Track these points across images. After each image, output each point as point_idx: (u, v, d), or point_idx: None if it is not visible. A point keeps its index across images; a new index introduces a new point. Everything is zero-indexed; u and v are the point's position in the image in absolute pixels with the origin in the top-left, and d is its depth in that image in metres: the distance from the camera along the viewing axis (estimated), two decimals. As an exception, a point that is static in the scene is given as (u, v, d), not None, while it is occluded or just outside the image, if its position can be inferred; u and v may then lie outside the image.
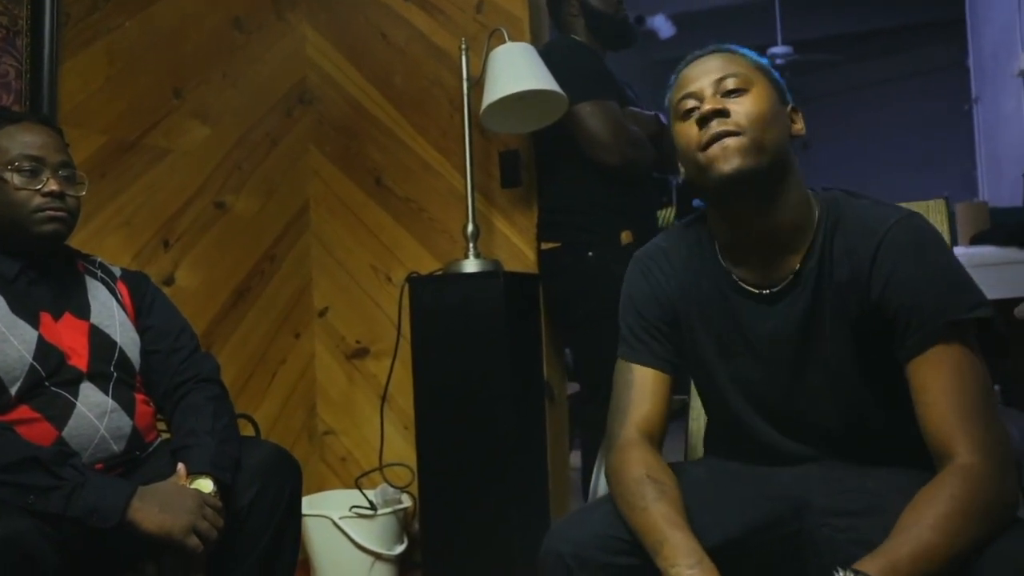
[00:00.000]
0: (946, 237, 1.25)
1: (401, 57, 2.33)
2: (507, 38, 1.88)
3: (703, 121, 0.92)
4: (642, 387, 0.98)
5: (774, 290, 0.96)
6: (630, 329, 1.03)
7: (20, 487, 0.99)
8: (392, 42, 2.34)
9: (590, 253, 1.93)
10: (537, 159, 2.14)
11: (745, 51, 0.99)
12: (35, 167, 1.20)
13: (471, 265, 1.95)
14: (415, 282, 2.00)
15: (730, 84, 0.94)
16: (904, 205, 1.36)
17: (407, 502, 2.14)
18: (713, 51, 0.99)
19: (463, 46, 2.01)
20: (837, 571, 0.73)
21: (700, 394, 1.09)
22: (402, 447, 2.29)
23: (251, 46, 2.26)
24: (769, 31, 6.34)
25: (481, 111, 1.88)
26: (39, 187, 1.19)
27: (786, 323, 0.95)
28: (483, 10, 2.20)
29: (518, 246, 2.19)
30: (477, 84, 1.98)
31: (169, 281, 1.95)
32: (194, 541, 1.08)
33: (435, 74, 2.28)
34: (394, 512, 2.08)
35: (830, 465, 0.95)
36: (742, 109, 0.92)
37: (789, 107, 0.99)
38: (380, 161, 2.38)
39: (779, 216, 0.94)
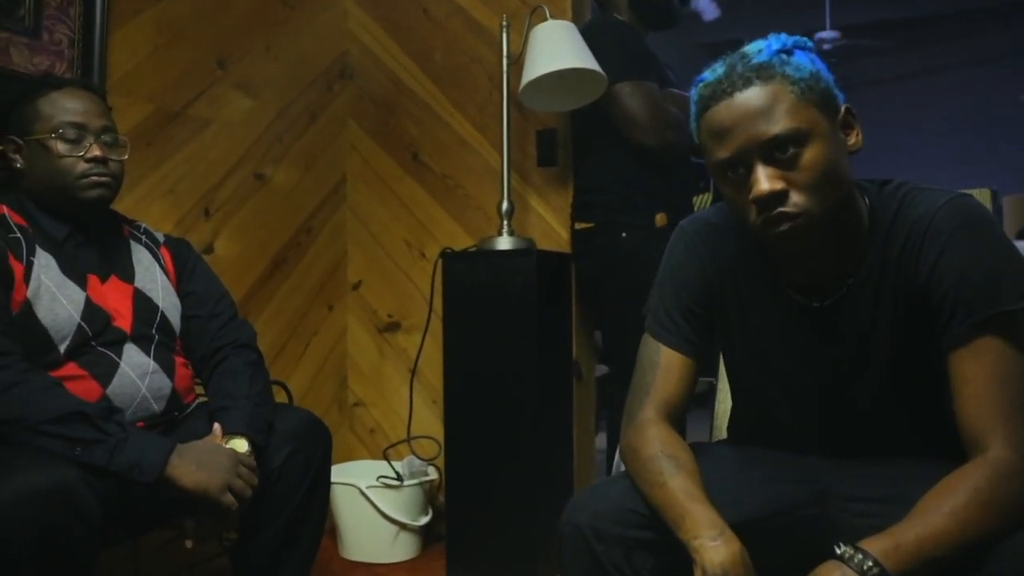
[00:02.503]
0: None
1: (441, 32, 2.34)
2: (548, 15, 1.88)
3: (760, 203, 0.84)
4: (668, 370, 0.98)
5: (826, 304, 0.93)
6: (664, 307, 1.02)
7: (68, 439, 1.03)
8: (433, 17, 2.35)
9: (624, 235, 1.93)
10: (574, 139, 2.13)
11: (786, 69, 0.84)
12: (78, 134, 1.23)
13: (505, 242, 1.96)
14: (449, 258, 2.01)
15: (781, 144, 0.82)
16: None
17: (433, 474, 2.18)
18: (748, 80, 0.84)
19: (504, 23, 2.01)
20: (839, 545, 0.74)
21: (729, 379, 1.09)
22: (430, 420, 2.32)
23: (294, 19, 2.28)
24: (817, 15, 6.18)
25: (520, 88, 1.88)
26: (82, 153, 1.22)
27: (836, 338, 0.93)
28: (525, -13, 2.19)
29: (552, 225, 2.19)
30: (516, 61, 1.98)
31: (208, 250, 2.00)
32: (229, 499, 1.11)
33: (474, 50, 2.28)
34: (420, 484, 2.12)
35: (853, 450, 0.94)
36: (801, 179, 0.83)
37: (842, 112, 0.88)
38: (417, 136, 2.39)
39: (834, 236, 0.89)
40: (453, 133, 2.33)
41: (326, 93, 2.41)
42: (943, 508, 0.75)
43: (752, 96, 0.84)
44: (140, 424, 1.24)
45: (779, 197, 0.83)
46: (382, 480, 2.07)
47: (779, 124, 0.82)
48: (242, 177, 2.10)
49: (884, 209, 0.91)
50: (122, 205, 1.75)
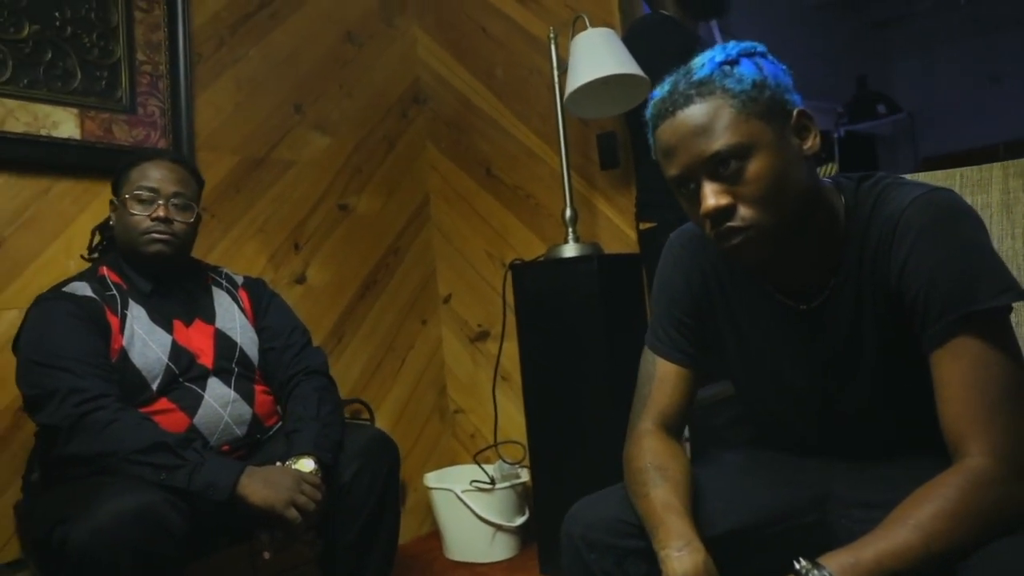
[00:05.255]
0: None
1: (500, 49, 2.41)
2: (588, 24, 1.90)
3: (709, 218, 0.84)
4: (663, 381, 1.00)
5: (812, 306, 0.92)
6: (658, 319, 1.04)
7: (154, 466, 1.20)
8: (491, 35, 2.43)
9: (685, 232, 1.91)
10: (632, 139, 2.13)
11: (726, 82, 0.83)
12: (151, 196, 1.42)
13: (570, 250, 2.01)
14: (517, 268, 2.08)
15: (723, 160, 0.82)
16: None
17: (525, 477, 2.25)
18: (688, 98, 0.84)
19: (551, 34, 2.05)
20: (798, 560, 0.73)
21: (734, 385, 1.08)
22: (522, 424, 2.40)
23: (363, 56, 2.43)
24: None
25: (565, 98, 1.92)
26: (149, 213, 1.41)
27: (825, 339, 0.92)
28: (573, -6, 2.22)
29: (620, 227, 2.20)
30: (567, 70, 2.01)
31: (301, 280, 2.18)
32: (293, 513, 1.25)
33: (532, 63, 2.33)
34: (511, 486, 2.20)
35: (857, 453, 0.92)
36: (747, 192, 0.82)
37: (795, 116, 0.86)
38: (488, 151, 2.48)
39: (805, 243, 0.88)
40: (520, 145, 2.40)
41: (401, 120, 2.55)
42: (909, 520, 0.72)
43: (692, 114, 0.84)
44: (225, 447, 1.41)
45: (727, 212, 0.83)
46: (475, 484, 2.18)
47: (719, 140, 0.82)
48: (327, 210, 2.28)
49: (860, 207, 0.88)
50: (219, 248, 1.97)
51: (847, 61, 6.37)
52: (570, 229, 2.02)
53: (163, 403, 1.36)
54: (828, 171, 2.31)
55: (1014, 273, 1.16)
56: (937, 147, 6.24)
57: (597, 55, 1.82)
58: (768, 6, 5.91)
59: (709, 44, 2.01)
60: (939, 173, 1.25)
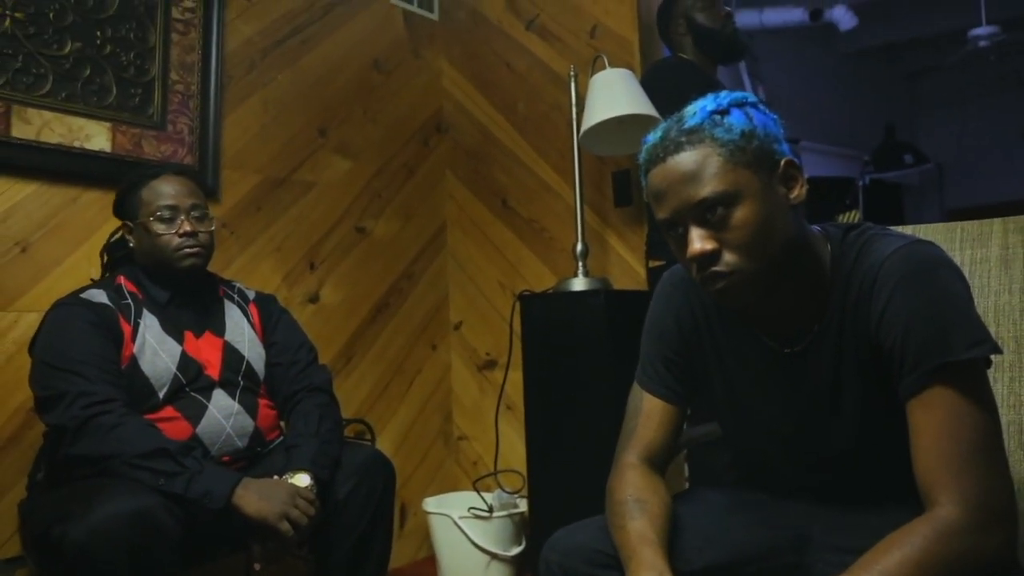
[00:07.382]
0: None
1: (523, 84, 2.47)
2: (607, 64, 1.95)
3: (694, 262, 0.87)
4: (649, 416, 1.01)
5: (796, 350, 0.94)
6: (647, 354, 1.06)
7: (154, 471, 1.23)
8: (515, 70, 2.49)
9: (692, 271, 1.93)
10: (646, 178, 2.17)
11: (716, 131, 0.85)
12: (172, 213, 1.46)
13: (579, 283, 2.03)
14: (526, 299, 2.11)
15: (710, 206, 0.84)
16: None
17: (523, 506, 2.25)
18: (679, 145, 0.86)
19: (572, 72, 2.10)
20: None
21: (719, 423, 1.09)
22: (524, 454, 2.40)
23: (389, 84, 2.50)
24: (971, 10, 5.68)
25: (579, 135, 1.96)
26: (175, 230, 1.46)
27: (808, 383, 0.94)
28: (596, 35, 2.27)
29: (630, 264, 2.23)
30: (584, 108, 2.06)
31: (314, 299, 2.23)
32: (285, 526, 1.27)
33: (554, 99, 2.39)
34: (509, 515, 2.20)
35: (840, 498, 0.93)
36: (732, 239, 0.85)
37: (782, 165, 0.88)
38: (506, 183, 2.53)
39: (790, 289, 0.90)
40: (537, 179, 2.44)
41: (422, 148, 2.61)
42: (875, 566, 0.73)
43: (682, 160, 0.86)
44: (226, 458, 1.44)
45: (711, 257, 0.85)
46: (472, 511, 2.18)
47: (707, 187, 0.85)
48: (344, 232, 2.33)
49: (845, 256, 0.90)
50: (236, 264, 2.03)
51: (876, 110, 6.37)
52: (580, 263, 2.05)
53: (168, 411, 1.40)
54: (851, 218, 2.32)
55: (1010, 327, 1.17)
56: (964, 199, 6.20)
57: (613, 94, 1.86)
58: (800, 53, 5.96)
59: (731, 88, 2.06)
60: (939, 225, 1.27)
